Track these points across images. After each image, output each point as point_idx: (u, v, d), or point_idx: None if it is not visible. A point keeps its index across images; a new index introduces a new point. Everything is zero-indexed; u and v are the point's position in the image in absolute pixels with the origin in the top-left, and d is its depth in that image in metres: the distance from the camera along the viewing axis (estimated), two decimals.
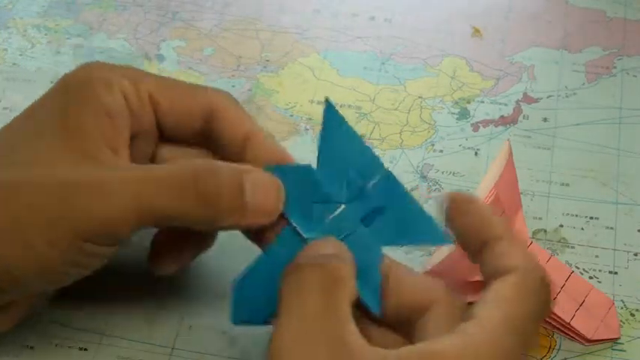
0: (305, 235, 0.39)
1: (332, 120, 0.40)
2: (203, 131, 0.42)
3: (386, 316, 0.38)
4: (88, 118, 0.39)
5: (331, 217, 0.39)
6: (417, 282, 0.38)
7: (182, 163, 0.40)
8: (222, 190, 0.38)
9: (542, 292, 0.36)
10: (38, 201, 0.37)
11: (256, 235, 0.40)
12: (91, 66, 0.42)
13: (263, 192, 0.38)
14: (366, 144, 0.40)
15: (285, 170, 0.39)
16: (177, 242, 0.42)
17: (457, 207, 0.38)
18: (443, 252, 0.45)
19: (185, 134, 0.42)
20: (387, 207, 0.39)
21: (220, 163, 0.39)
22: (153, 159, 0.43)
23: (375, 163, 0.40)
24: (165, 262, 0.42)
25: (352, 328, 0.34)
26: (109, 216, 0.37)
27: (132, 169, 0.39)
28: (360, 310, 0.37)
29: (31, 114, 0.41)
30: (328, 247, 0.37)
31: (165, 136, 0.43)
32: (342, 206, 0.39)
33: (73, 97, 0.40)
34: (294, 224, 0.39)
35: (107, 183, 0.38)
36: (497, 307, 0.35)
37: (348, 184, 0.39)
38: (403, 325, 0.38)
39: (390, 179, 0.39)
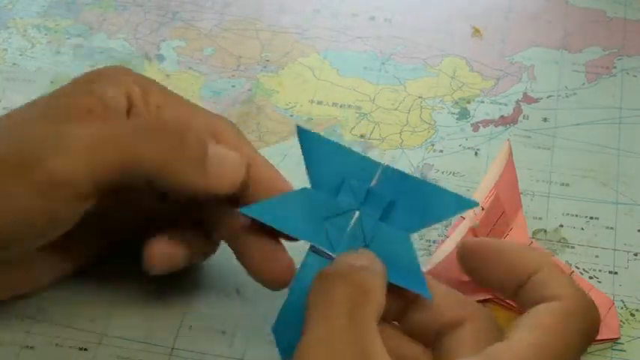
0: (333, 254, 0.38)
1: (308, 141, 0.40)
2: None
3: (413, 328, 0.38)
4: (80, 99, 0.40)
5: (350, 226, 0.39)
6: (450, 298, 0.37)
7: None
8: (185, 137, 0.38)
9: (587, 322, 0.35)
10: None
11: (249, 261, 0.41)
12: (111, 68, 0.43)
13: (224, 160, 0.39)
14: (350, 148, 0.40)
15: (285, 199, 0.39)
16: (171, 242, 0.42)
17: (477, 255, 0.37)
18: (443, 252, 0.45)
19: None
20: (399, 197, 0.38)
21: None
22: None
23: (366, 162, 0.39)
24: (153, 258, 0.42)
25: (378, 344, 0.34)
26: (63, 166, 0.37)
27: (91, 123, 0.39)
28: (386, 320, 0.37)
29: (43, 96, 0.42)
30: (358, 258, 0.37)
31: None
32: (357, 213, 0.38)
33: (81, 84, 0.41)
34: (319, 246, 0.38)
35: (61, 133, 0.37)
36: (531, 331, 0.33)
37: (353, 191, 0.39)
38: (430, 339, 0.37)
39: (389, 171, 0.39)
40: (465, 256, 0.37)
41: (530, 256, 0.36)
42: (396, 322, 0.39)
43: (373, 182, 0.39)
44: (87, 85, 0.41)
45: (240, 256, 0.41)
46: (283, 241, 0.41)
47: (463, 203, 0.38)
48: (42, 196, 0.37)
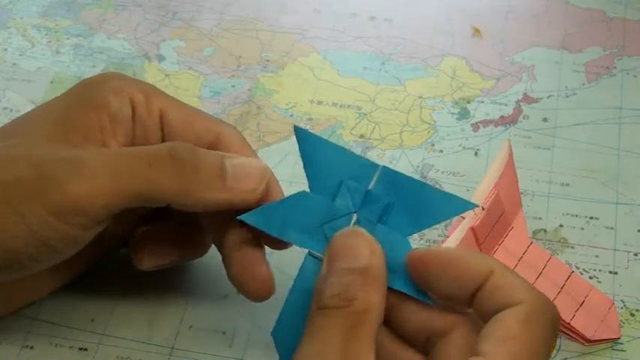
0: None
1: (306, 141, 0.39)
2: None
3: (404, 334, 0.38)
4: (87, 114, 0.40)
5: None
6: (437, 304, 0.37)
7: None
8: (201, 162, 0.38)
9: (550, 319, 0.35)
10: (9, 174, 0.37)
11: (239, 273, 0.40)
12: (110, 74, 0.43)
13: (244, 172, 0.38)
14: (348, 149, 0.40)
15: (283, 203, 0.39)
16: (158, 239, 0.42)
17: (426, 266, 0.36)
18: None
19: None
20: (397, 199, 0.38)
21: (201, 149, 0.39)
22: None
23: (364, 164, 0.39)
24: (143, 254, 0.42)
25: None
26: (81, 191, 0.37)
27: (108, 150, 0.39)
28: (383, 326, 0.37)
29: (43, 107, 0.42)
30: (356, 254, 0.36)
31: None
32: (355, 216, 0.38)
33: (83, 95, 0.41)
34: (314, 253, 0.38)
35: (82, 159, 0.38)
36: (501, 341, 0.33)
37: (351, 192, 0.38)
38: (421, 345, 0.37)
39: (387, 172, 0.39)
40: (414, 267, 0.36)
41: (479, 262, 0.35)
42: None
43: (371, 184, 0.38)
44: (90, 96, 0.41)
45: (224, 263, 0.41)
46: (275, 251, 0.41)
47: (461, 205, 0.38)
48: (60, 219, 0.37)
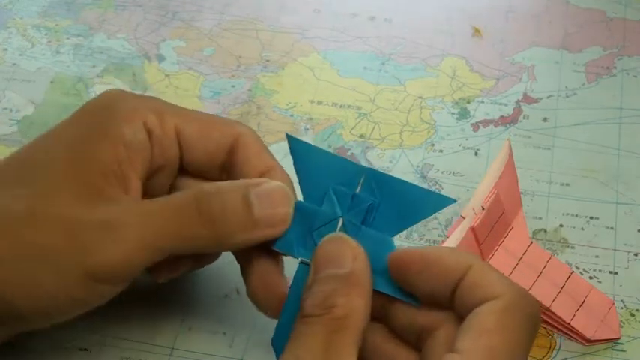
0: None
1: (298, 149, 0.40)
2: (224, 164, 0.42)
3: (395, 330, 0.38)
4: (103, 148, 0.39)
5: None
6: (424, 301, 0.37)
7: (184, 190, 0.40)
8: (227, 206, 0.38)
9: (528, 313, 0.34)
10: (44, 238, 0.37)
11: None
12: (114, 95, 0.41)
13: (270, 202, 0.38)
14: (337, 155, 0.40)
15: None
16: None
17: (405, 266, 0.36)
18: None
19: (207, 166, 0.42)
20: (382, 200, 0.39)
21: (223, 182, 0.39)
22: (170, 190, 0.43)
23: (352, 168, 0.40)
24: (162, 270, 0.42)
25: None
26: (117, 255, 0.37)
27: (136, 205, 0.39)
28: (375, 322, 0.37)
29: (49, 139, 0.41)
30: (339, 261, 0.36)
31: (186, 168, 0.43)
32: (341, 220, 0.39)
33: (93, 126, 0.40)
34: (305, 260, 0.38)
35: (113, 224, 0.37)
36: (477, 337, 0.33)
37: (338, 197, 0.39)
38: (413, 341, 0.37)
39: (372, 175, 0.39)
40: (394, 268, 0.37)
41: (456, 259, 0.35)
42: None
43: (358, 188, 0.39)
44: (102, 126, 0.40)
45: (242, 277, 0.41)
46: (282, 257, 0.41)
47: (441, 201, 0.39)
48: (96, 280, 0.37)
